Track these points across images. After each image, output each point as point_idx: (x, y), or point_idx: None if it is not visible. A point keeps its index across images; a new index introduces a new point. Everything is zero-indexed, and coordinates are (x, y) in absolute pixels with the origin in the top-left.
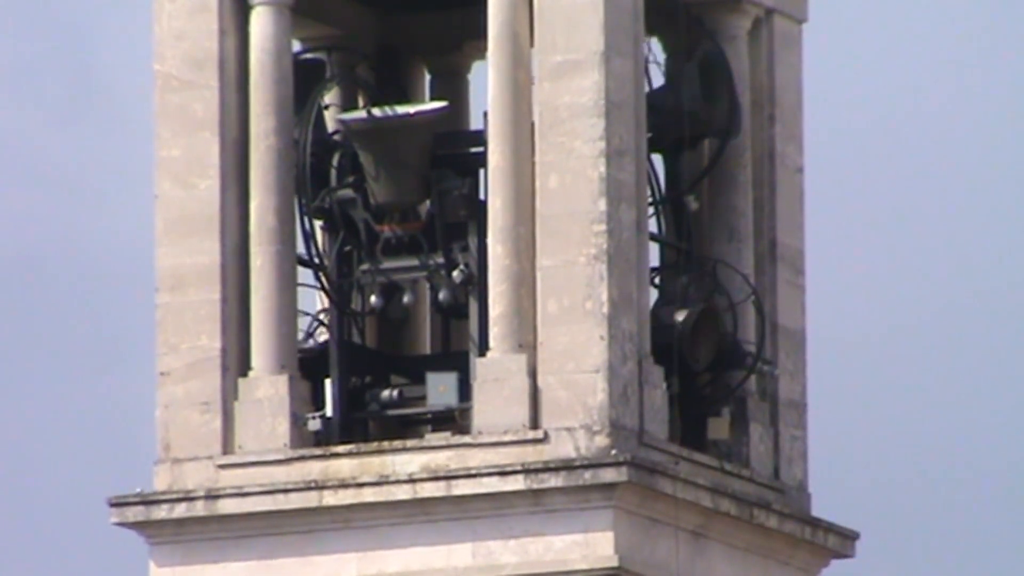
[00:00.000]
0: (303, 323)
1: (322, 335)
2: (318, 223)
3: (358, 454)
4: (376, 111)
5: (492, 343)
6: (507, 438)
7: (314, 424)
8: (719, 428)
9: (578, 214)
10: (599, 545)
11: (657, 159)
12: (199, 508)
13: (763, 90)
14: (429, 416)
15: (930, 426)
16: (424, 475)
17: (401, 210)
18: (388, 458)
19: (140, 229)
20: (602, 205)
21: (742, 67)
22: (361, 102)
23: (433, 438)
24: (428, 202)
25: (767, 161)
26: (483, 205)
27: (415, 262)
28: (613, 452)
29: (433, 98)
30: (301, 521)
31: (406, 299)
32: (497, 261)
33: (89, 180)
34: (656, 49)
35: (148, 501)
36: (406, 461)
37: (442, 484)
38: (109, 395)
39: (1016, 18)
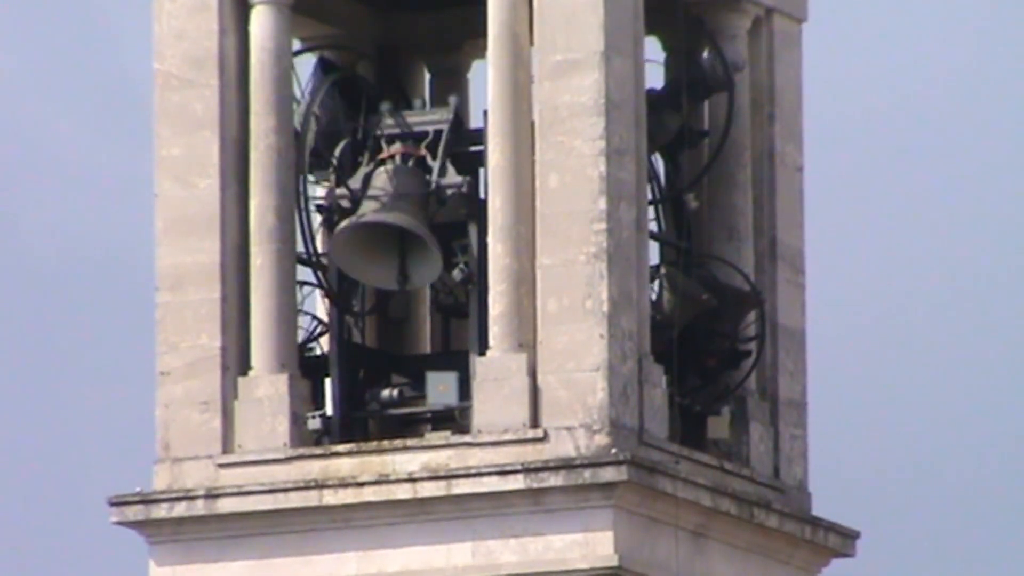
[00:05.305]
0: (303, 323)
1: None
2: (317, 221)
3: (358, 453)
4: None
5: (492, 342)
6: (507, 437)
7: (314, 423)
8: (719, 427)
9: (578, 213)
10: (599, 544)
11: (657, 158)
12: (199, 507)
13: (763, 89)
14: (429, 415)
15: (930, 425)
16: (424, 474)
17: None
18: (388, 457)
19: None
20: (602, 204)
21: None
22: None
23: (433, 437)
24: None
25: (767, 160)
26: (483, 204)
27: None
28: (613, 451)
29: (434, 101)
30: (301, 520)
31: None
32: (497, 260)
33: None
34: (656, 48)
35: (148, 500)
36: (406, 460)
37: (442, 483)
38: (109, 395)
39: (1017, 18)
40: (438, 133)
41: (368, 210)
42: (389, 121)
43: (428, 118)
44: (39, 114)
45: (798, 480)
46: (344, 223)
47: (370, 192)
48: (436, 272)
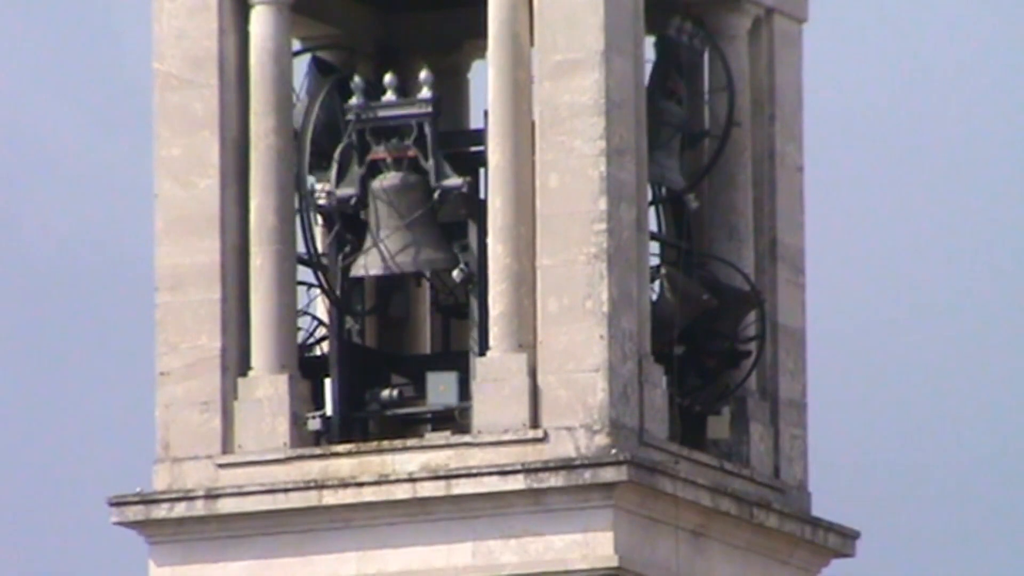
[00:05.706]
0: (304, 323)
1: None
2: (317, 221)
3: (358, 453)
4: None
5: (492, 342)
6: (507, 437)
7: (314, 423)
8: (719, 427)
9: (578, 213)
10: (599, 545)
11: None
12: (199, 507)
13: (763, 90)
14: (429, 415)
15: (930, 426)
16: (424, 474)
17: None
18: (388, 457)
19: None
20: (602, 204)
21: (742, 67)
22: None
23: (433, 437)
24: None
25: (767, 160)
26: (483, 204)
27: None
28: (613, 451)
29: (431, 96)
30: (301, 520)
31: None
32: (497, 260)
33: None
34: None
35: (148, 500)
36: (406, 460)
37: (442, 483)
38: (109, 395)
39: (1017, 18)
40: (421, 126)
41: (377, 259)
42: (366, 115)
43: (407, 111)
44: (39, 114)
45: (798, 480)
46: (361, 272)
47: (376, 222)
48: (449, 261)
